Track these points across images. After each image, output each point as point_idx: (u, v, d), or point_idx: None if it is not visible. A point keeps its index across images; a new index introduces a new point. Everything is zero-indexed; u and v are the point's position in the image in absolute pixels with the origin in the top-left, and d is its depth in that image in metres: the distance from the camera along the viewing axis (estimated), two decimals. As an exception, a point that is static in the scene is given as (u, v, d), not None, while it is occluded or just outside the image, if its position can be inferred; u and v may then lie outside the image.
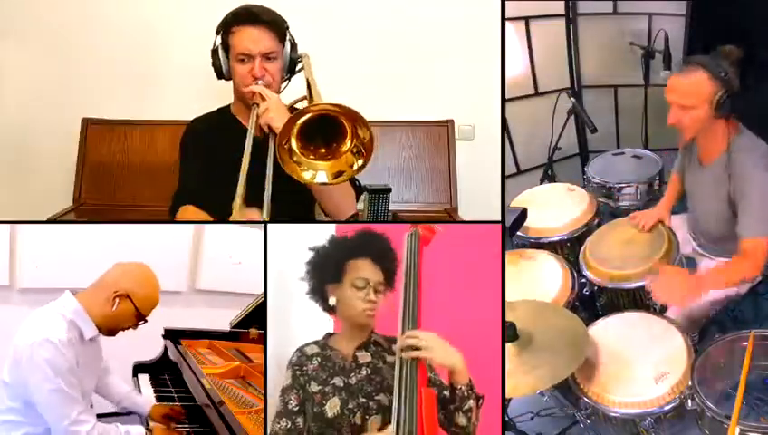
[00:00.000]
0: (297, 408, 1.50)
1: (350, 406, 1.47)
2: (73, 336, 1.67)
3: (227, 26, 2.02)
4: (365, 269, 1.54)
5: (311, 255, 1.60)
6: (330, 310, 1.59)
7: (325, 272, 1.57)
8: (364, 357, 1.55)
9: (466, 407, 1.46)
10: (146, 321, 1.79)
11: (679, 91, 2.00)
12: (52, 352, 1.60)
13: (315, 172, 1.75)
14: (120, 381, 2.05)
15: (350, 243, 1.58)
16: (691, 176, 2.21)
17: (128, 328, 1.79)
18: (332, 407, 1.47)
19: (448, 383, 1.47)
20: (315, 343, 1.59)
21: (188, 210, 1.99)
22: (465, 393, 1.45)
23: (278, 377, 1.75)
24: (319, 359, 1.54)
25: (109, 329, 1.77)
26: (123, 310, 1.73)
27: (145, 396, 2.22)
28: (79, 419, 1.63)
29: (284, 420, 1.49)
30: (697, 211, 2.23)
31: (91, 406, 1.86)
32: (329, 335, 1.61)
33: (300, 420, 1.49)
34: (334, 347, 1.57)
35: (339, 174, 1.76)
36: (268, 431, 1.53)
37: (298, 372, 1.53)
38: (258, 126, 1.92)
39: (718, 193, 2.05)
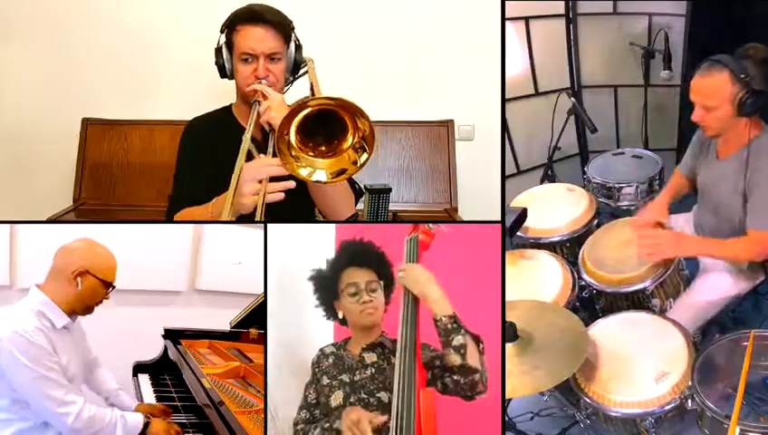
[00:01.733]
0: (315, 401, 1.60)
1: (352, 400, 1.54)
2: (43, 325, 1.70)
3: (232, 25, 2.00)
4: (353, 275, 1.61)
5: (313, 282, 1.67)
6: (344, 323, 1.68)
7: (328, 293, 1.65)
8: (370, 357, 1.61)
9: (456, 342, 1.44)
10: (114, 287, 1.83)
11: (701, 93, 2.01)
12: (22, 343, 1.63)
13: (313, 170, 1.71)
14: (110, 377, 2.06)
15: (337, 258, 1.66)
16: (705, 169, 2.22)
17: (102, 300, 1.83)
18: (336, 398, 1.55)
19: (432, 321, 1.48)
20: (334, 344, 1.68)
21: (187, 214, 1.98)
22: (449, 326, 1.44)
23: (278, 377, 1.76)
24: (333, 358, 1.64)
25: (84, 308, 1.81)
26: (89, 286, 1.78)
27: (133, 397, 2.20)
28: (65, 400, 1.66)
29: (304, 411, 1.60)
30: (708, 204, 2.22)
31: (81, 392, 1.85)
32: (347, 340, 1.68)
33: (318, 412, 1.59)
34: (347, 348, 1.65)
35: (341, 172, 1.72)
36: (291, 422, 1.61)
37: (316, 369, 1.63)
38: (258, 124, 1.90)
39: (732, 187, 2.06)
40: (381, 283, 1.62)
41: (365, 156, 1.69)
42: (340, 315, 1.64)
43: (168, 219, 2.04)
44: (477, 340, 1.48)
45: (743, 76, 1.95)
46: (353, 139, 1.69)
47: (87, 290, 1.78)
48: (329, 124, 1.69)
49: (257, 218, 1.73)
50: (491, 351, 1.57)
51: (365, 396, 1.54)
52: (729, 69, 1.96)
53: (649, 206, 2.44)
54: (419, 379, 1.44)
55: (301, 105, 1.66)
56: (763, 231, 1.97)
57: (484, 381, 1.47)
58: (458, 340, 1.44)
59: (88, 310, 1.82)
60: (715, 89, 1.99)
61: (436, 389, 1.52)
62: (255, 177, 1.71)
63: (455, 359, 1.44)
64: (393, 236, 1.65)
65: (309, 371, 1.65)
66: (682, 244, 2.15)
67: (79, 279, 1.76)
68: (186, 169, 2.07)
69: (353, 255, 1.64)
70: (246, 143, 1.80)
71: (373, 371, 1.58)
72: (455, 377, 1.46)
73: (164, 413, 1.97)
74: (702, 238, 2.14)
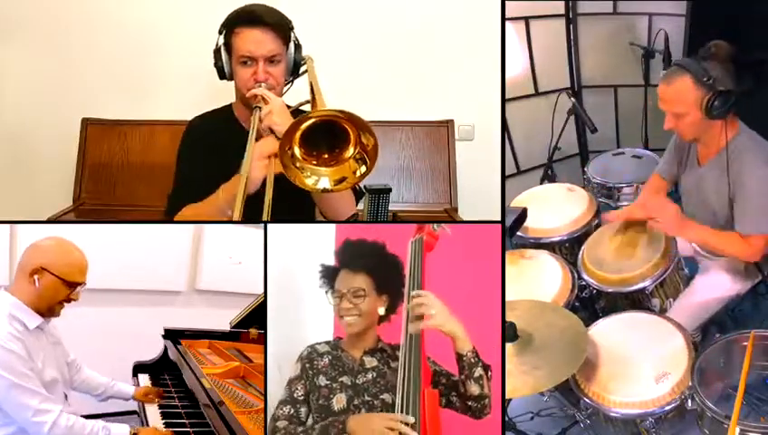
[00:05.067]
0: (302, 398, 1.56)
1: (356, 402, 1.53)
2: (16, 329, 1.65)
3: (230, 27, 1.99)
4: (342, 282, 1.61)
5: (320, 274, 1.66)
6: None
7: (329, 286, 1.64)
8: (371, 362, 1.60)
9: (477, 374, 1.52)
10: (82, 284, 1.76)
11: (668, 100, 1.99)
12: None
13: (318, 178, 1.72)
14: (97, 374, 2.08)
15: (338, 258, 1.65)
16: (688, 176, 2.19)
17: (65, 301, 1.75)
18: (339, 402, 1.53)
19: (454, 352, 1.52)
20: (326, 342, 1.65)
21: (186, 211, 1.97)
22: (472, 360, 1.52)
23: (278, 377, 1.76)
24: (329, 357, 1.60)
25: (47, 308, 1.74)
26: (47, 284, 1.71)
27: (128, 384, 2.25)
28: (40, 408, 1.61)
29: (288, 406, 1.55)
30: (693, 209, 2.20)
31: (66, 397, 1.85)
32: (339, 339, 1.67)
33: (303, 410, 1.55)
34: (344, 349, 1.63)
35: (341, 180, 1.73)
36: (270, 416, 1.58)
37: (307, 365, 1.59)
38: (260, 129, 1.90)
39: (716, 192, 2.04)
40: (375, 291, 1.60)
41: (364, 168, 1.71)
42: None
43: (168, 216, 2.03)
44: (487, 369, 1.55)
45: (705, 79, 1.91)
46: (354, 149, 1.71)
47: (45, 289, 1.71)
48: (330, 132, 1.69)
49: (264, 219, 1.74)
50: (491, 351, 1.58)
51: (369, 399, 1.54)
52: (691, 73, 1.93)
53: (629, 207, 2.38)
54: (424, 379, 1.45)
55: (304, 117, 1.66)
56: (756, 235, 1.95)
57: (490, 404, 1.56)
58: (478, 372, 1.53)
59: (50, 311, 1.75)
60: (679, 95, 1.95)
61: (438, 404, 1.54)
62: (264, 153, 1.80)
63: (474, 389, 1.53)
64: (393, 237, 1.65)
65: (296, 365, 1.60)
66: (683, 226, 2.09)
67: (36, 277, 1.70)
68: (186, 167, 2.07)
69: (350, 258, 1.62)
70: (251, 145, 1.81)
71: (374, 374, 1.58)
72: (469, 403, 1.54)
73: (158, 395, 2.09)
74: (702, 226, 2.08)
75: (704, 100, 1.92)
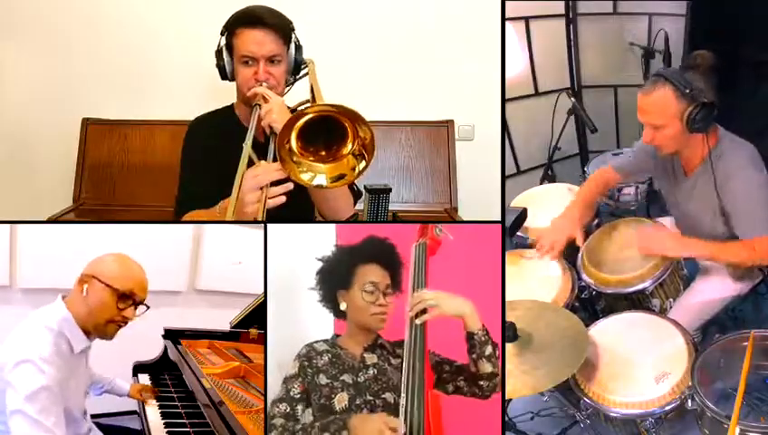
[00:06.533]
0: (299, 396, 1.54)
1: (358, 402, 1.52)
2: (60, 350, 1.54)
3: (231, 28, 2.00)
4: (373, 274, 1.60)
5: (319, 264, 1.65)
6: (341, 315, 1.65)
7: (335, 279, 1.62)
8: (371, 358, 1.60)
9: (488, 352, 1.54)
10: (136, 300, 1.60)
11: (647, 111, 1.93)
12: (30, 373, 1.46)
13: (314, 174, 1.71)
14: (94, 371, 2.06)
15: (358, 249, 1.63)
16: (675, 187, 2.15)
17: (121, 321, 1.61)
18: (340, 401, 1.52)
19: (465, 332, 1.54)
20: (324, 341, 1.64)
21: (196, 215, 1.97)
22: (483, 338, 1.53)
23: (278, 377, 1.76)
24: (329, 355, 1.59)
25: (94, 325, 1.60)
26: (95, 295, 1.58)
27: (126, 381, 2.27)
28: None
29: (284, 404, 1.53)
30: (684, 221, 2.19)
31: (85, 413, 1.81)
32: (336, 336, 1.66)
33: (299, 408, 1.53)
34: (342, 346, 1.62)
35: (339, 177, 1.72)
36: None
37: (306, 364, 1.57)
38: (260, 127, 1.90)
39: (706, 202, 2.02)
40: (391, 289, 1.61)
41: (363, 163, 1.70)
42: (343, 307, 1.60)
43: (176, 218, 2.03)
44: (496, 347, 1.56)
45: (687, 91, 1.85)
46: (353, 145, 1.70)
47: (94, 301, 1.58)
48: (329, 129, 1.69)
49: (258, 218, 1.73)
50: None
51: (371, 398, 1.53)
52: (672, 84, 1.87)
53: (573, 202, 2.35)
54: (428, 381, 1.46)
55: (301, 112, 1.66)
56: (758, 238, 1.91)
57: (500, 382, 1.58)
58: (489, 350, 1.54)
59: (98, 329, 1.60)
60: (659, 106, 1.90)
61: (445, 392, 1.59)
62: (257, 185, 1.71)
63: (487, 367, 1.55)
64: (397, 240, 1.65)
65: (294, 363, 1.58)
66: (683, 244, 2.10)
67: (84, 286, 1.58)
68: (189, 170, 2.07)
69: (377, 252, 1.61)
70: (247, 150, 1.79)
71: (375, 371, 1.57)
72: (481, 383, 1.56)
73: (152, 390, 2.10)
74: (703, 241, 2.05)
75: (685, 112, 1.88)
